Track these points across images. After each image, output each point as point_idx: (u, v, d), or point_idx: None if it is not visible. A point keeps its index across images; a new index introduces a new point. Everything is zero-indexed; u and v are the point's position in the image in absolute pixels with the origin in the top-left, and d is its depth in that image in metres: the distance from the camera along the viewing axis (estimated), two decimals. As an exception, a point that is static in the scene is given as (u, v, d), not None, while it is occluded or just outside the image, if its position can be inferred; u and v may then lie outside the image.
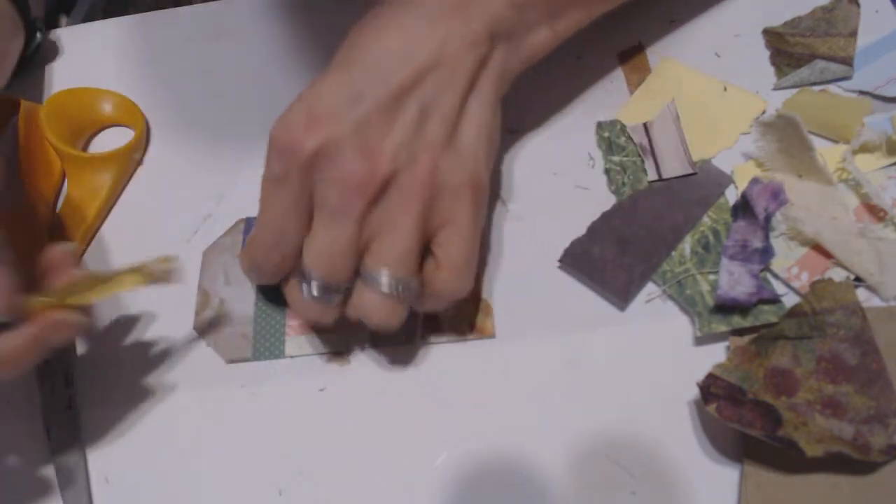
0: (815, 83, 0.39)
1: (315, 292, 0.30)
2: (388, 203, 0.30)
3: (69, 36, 0.49)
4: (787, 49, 0.40)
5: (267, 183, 0.31)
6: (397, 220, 0.30)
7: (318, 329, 0.36)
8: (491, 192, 0.39)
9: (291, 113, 0.30)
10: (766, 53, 0.41)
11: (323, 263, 0.30)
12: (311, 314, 0.31)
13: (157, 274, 0.31)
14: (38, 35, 0.46)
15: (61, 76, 0.47)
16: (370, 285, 0.30)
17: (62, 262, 0.31)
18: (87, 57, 0.48)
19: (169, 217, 0.40)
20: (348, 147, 0.29)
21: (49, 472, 0.34)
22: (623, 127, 0.39)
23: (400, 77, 0.30)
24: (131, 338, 0.37)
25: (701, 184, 0.37)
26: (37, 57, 0.46)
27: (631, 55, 0.42)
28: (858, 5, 0.40)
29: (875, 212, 0.35)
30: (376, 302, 0.30)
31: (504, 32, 0.32)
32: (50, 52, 0.48)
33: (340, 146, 0.29)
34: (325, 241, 0.30)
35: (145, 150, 0.43)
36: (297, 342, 0.36)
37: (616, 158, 0.38)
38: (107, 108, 0.44)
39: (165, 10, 0.49)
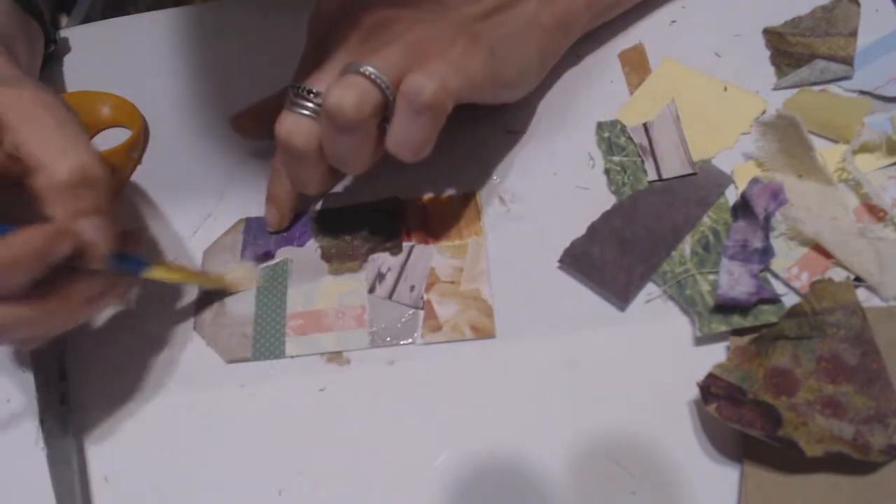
0: (815, 83, 0.39)
1: (304, 101, 0.32)
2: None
3: (69, 36, 0.49)
4: (788, 49, 0.40)
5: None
6: (391, 40, 0.32)
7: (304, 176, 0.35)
8: (491, 192, 0.39)
9: None
10: (766, 53, 0.41)
11: (317, 74, 0.32)
12: (299, 137, 0.32)
13: (231, 284, 0.37)
14: (52, 46, 0.46)
15: (61, 76, 0.47)
16: (346, 74, 0.31)
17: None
18: (86, 57, 0.48)
19: (169, 216, 0.40)
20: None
21: (42, 468, 0.34)
22: (623, 127, 0.39)
23: None
24: (131, 337, 0.37)
25: (701, 184, 0.37)
26: (47, 64, 0.47)
27: (631, 55, 0.42)
28: (858, 5, 0.40)
29: (875, 212, 0.35)
30: (348, 83, 0.30)
31: None
32: (57, 57, 0.48)
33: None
34: (326, 61, 0.33)
35: (144, 149, 0.43)
36: (297, 342, 0.36)
37: (616, 158, 0.38)
38: (105, 110, 0.44)
39: (165, 10, 0.49)
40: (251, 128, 0.40)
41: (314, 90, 0.31)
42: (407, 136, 0.31)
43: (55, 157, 0.27)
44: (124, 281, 0.32)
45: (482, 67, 0.32)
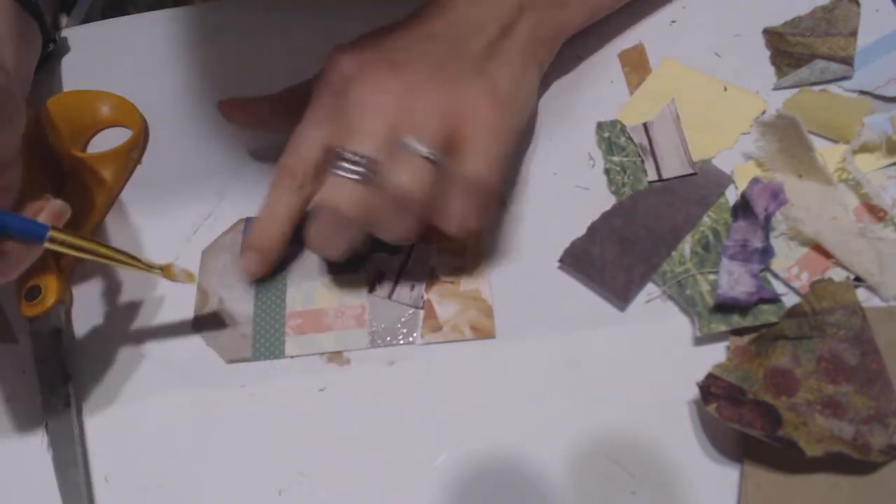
0: (815, 83, 0.39)
1: (353, 166, 0.31)
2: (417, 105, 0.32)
3: (69, 36, 0.49)
4: (787, 49, 0.40)
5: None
6: (425, 111, 0.32)
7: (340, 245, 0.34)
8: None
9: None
10: (766, 53, 0.41)
11: (361, 137, 0.31)
12: (352, 204, 0.31)
13: (173, 277, 0.34)
14: (51, 45, 0.46)
15: (61, 76, 0.47)
16: (403, 152, 0.31)
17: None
18: (86, 57, 0.48)
19: (169, 216, 0.40)
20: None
21: (51, 470, 0.34)
22: (623, 127, 0.39)
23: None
24: (131, 337, 0.37)
25: (701, 184, 0.37)
26: (47, 63, 0.47)
27: (631, 55, 0.42)
28: (858, 5, 0.40)
29: (875, 212, 0.35)
30: (413, 166, 0.31)
31: (532, 3, 0.36)
32: (56, 56, 0.48)
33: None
34: (361, 123, 0.32)
35: (144, 149, 0.43)
36: (297, 342, 0.36)
37: (616, 158, 0.38)
38: (105, 109, 0.44)
39: (165, 10, 0.49)
40: (239, 118, 0.40)
41: (366, 156, 0.31)
42: (466, 216, 0.33)
43: None
44: (21, 251, 0.30)
45: (511, 124, 0.34)
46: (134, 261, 0.33)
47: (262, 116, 0.40)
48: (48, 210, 0.31)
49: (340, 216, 0.32)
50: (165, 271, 0.34)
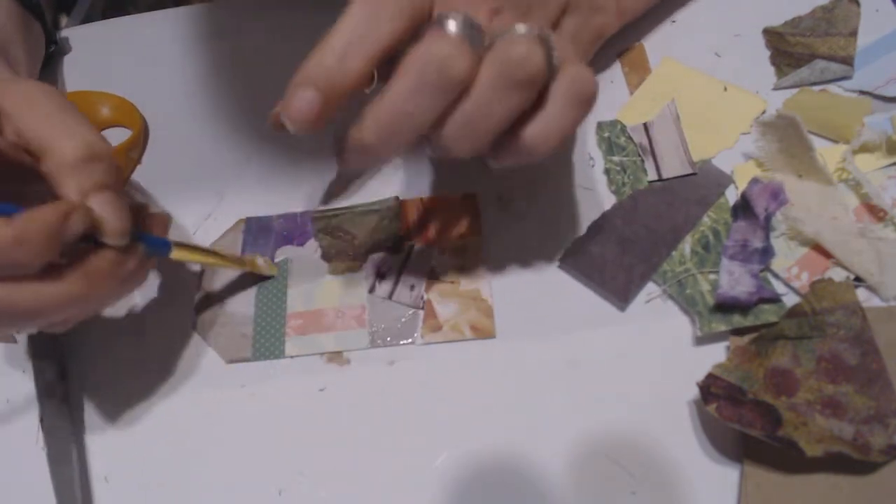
0: (815, 83, 0.39)
1: (458, 28, 0.25)
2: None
3: (69, 36, 0.49)
4: (787, 49, 0.40)
5: None
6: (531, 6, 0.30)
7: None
8: (491, 192, 0.39)
9: None
10: (766, 53, 0.41)
11: (467, 5, 0.27)
12: (457, 61, 0.25)
13: (258, 269, 0.37)
14: (52, 46, 0.46)
15: (61, 76, 0.47)
16: (513, 32, 0.26)
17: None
18: (86, 57, 0.48)
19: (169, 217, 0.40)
20: None
21: (42, 467, 0.34)
22: (623, 127, 0.39)
23: None
24: (131, 337, 0.37)
25: (701, 184, 0.37)
26: (48, 64, 0.47)
27: (631, 55, 0.42)
28: (858, 5, 0.40)
29: (875, 212, 0.35)
30: (527, 41, 0.26)
31: (575, 5, 0.35)
32: (57, 57, 0.48)
33: None
34: None
35: (144, 149, 0.43)
36: (297, 342, 0.36)
37: (616, 158, 0.38)
38: (105, 110, 0.44)
39: (165, 10, 0.49)
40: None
41: (474, 23, 0.26)
42: (562, 126, 0.28)
43: (61, 138, 0.28)
44: (149, 262, 0.32)
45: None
46: (230, 261, 0.36)
47: None
48: (163, 223, 0.35)
49: (445, 78, 0.25)
50: (252, 265, 0.37)
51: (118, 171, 0.29)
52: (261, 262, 0.37)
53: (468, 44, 0.25)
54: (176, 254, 0.33)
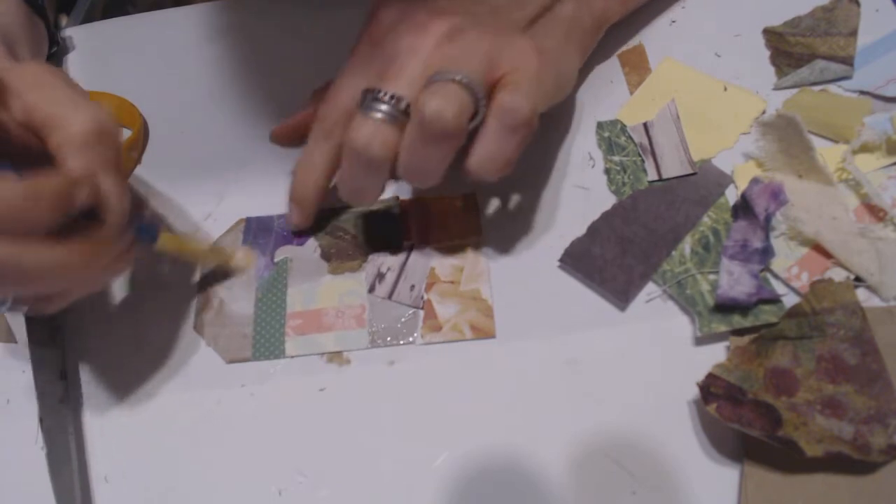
0: (815, 83, 0.39)
1: (381, 105, 0.30)
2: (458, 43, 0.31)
3: (68, 36, 0.49)
4: (787, 49, 0.40)
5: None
6: (469, 50, 0.31)
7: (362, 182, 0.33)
8: (491, 192, 0.39)
9: None
10: (766, 53, 0.41)
11: (396, 76, 0.31)
12: (376, 142, 0.30)
13: (234, 263, 0.38)
14: (55, 47, 0.46)
15: (61, 76, 0.47)
16: (436, 82, 0.30)
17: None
18: (86, 57, 0.48)
19: (169, 216, 0.40)
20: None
21: (42, 467, 0.34)
22: (623, 127, 0.39)
23: None
24: (131, 337, 0.37)
25: (701, 184, 0.37)
26: (50, 62, 0.47)
27: (631, 55, 0.42)
28: (858, 5, 0.40)
29: (875, 212, 0.35)
30: (445, 91, 0.29)
31: None
32: (58, 57, 0.48)
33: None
34: (397, 64, 0.31)
35: (143, 149, 0.43)
36: (297, 342, 0.36)
37: (616, 158, 0.38)
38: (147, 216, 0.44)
39: (165, 10, 0.49)
40: (290, 139, 0.39)
41: (395, 95, 0.30)
42: (498, 154, 0.31)
43: (69, 114, 0.28)
44: (138, 248, 0.32)
45: (553, 83, 0.33)
46: (206, 254, 0.38)
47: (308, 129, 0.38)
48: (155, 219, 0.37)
49: (365, 157, 0.31)
50: (228, 258, 0.38)
51: (122, 153, 0.30)
52: (239, 256, 0.38)
53: (379, 123, 0.30)
54: (161, 243, 0.34)
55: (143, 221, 0.33)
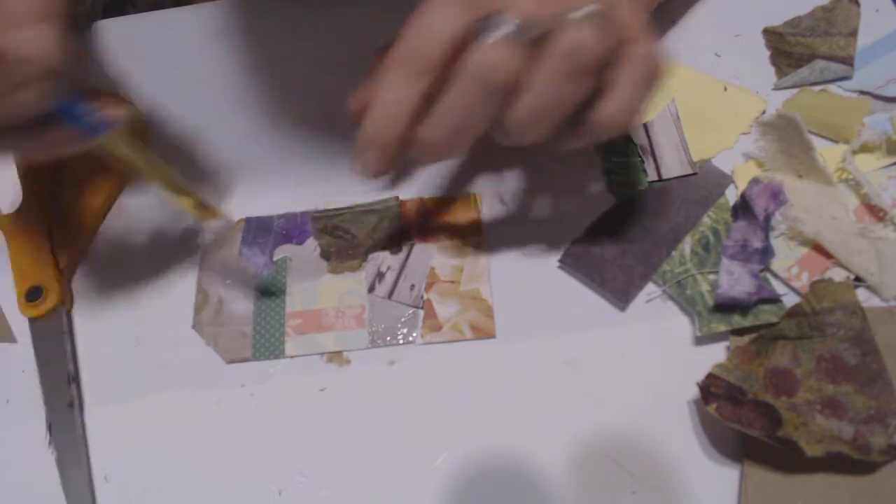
0: (815, 83, 0.39)
1: (503, 33, 0.26)
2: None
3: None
4: (787, 49, 0.40)
5: None
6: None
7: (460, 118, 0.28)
8: (491, 192, 0.39)
9: None
10: (766, 53, 0.41)
11: (512, 3, 0.27)
12: (509, 63, 0.26)
13: (204, 212, 0.34)
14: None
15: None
16: (586, 10, 0.26)
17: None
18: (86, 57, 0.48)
19: (169, 217, 0.40)
20: None
21: (51, 470, 0.34)
22: (623, 127, 0.39)
23: None
24: (131, 337, 0.37)
25: (701, 184, 0.37)
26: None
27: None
28: (858, 5, 0.40)
29: (875, 212, 0.35)
30: (583, 27, 0.26)
31: None
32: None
33: None
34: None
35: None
36: (297, 342, 0.36)
37: (616, 158, 0.38)
38: (104, 109, 0.44)
39: (165, 10, 0.49)
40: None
41: (522, 21, 0.26)
42: (632, 106, 0.28)
43: None
44: (70, 138, 0.28)
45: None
46: (171, 186, 0.33)
47: None
48: (117, 108, 0.30)
49: (488, 82, 0.27)
50: (194, 204, 0.34)
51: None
52: (212, 206, 0.34)
53: (512, 46, 0.26)
54: (108, 140, 0.29)
55: (81, 104, 0.28)
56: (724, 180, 0.37)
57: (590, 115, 0.28)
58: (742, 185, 0.36)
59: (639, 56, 0.28)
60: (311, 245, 0.38)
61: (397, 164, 0.30)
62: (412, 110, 0.29)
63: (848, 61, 0.38)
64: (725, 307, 0.33)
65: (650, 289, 0.35)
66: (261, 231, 0.39)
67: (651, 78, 0.28)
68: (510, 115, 0.28)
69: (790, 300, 0.33)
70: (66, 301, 0.38)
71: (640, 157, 0.38)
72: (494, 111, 0.28)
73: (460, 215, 0.38)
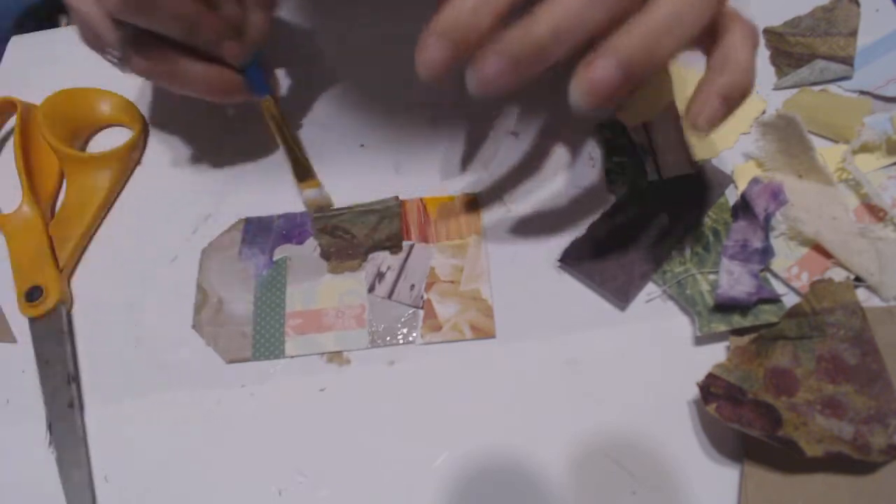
0: (815, 83, 0.39)
1: None
2: None
3: (69, 36, 0.49)
4: (787, 49, 0.40)
5: None
6: None
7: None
8: (491, 192, 0.39)
9: None
10: (766, 53, 0.41)
11: None
12: None
13: (308, 181, 0.40)
14: None
15: (60, 76, 0.47)
16: None
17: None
18: (87, 56, 0.48)
19: (168, 216, 0.40)
20: None
21: (51, 470, 0.34)
22: (623, 127, 0.39)
23: None
24: (131, 337, 0.37)
25: (701, 184, 0.37)
26: (49, 63, 0.47)
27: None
28: (858, 5, 0.40)
29: (875, 212, 0.35)
30: None
31: None
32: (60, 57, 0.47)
33: None
34: None
35: (144, 149, 0.43)
36: (297, 342, 0.36)
37: (616, 158, 0.38)
38: (105, 108, 0.44)
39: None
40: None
41: None
42: (751, 66, 0.28)
43: None
44: (239, 88, 0.37)
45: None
46: (300, 157, 0.40)
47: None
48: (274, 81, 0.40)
49: None
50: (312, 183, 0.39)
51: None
52: (315, 177, 0.40)
53: None
54: (266, 103, 0.39)
55: (261, 73, 0.38)
56: (724, 180, 0.37)
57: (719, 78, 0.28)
58: (742, 185, 0.36)
59: (747, 23, 0.28)
60: (311, 245, 0.38)
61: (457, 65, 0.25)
62: (497, 12, 0.25)
63: (848, 61, 0.38)
64: (725, 307, 0.33)
65: (650, 289, 0.35)
66: (261, 231, 0.39)
67: (755, 46, 0.28)
68: (630, 34, 0.25)
69: (790, 300, 0.33)
70: (66, 301, 0.38)
71: (640, 157, 0.38)
72: (614, 14, 0.25)
73: (460, 215, 0.38)
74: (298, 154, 0.40)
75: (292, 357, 0.36)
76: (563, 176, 0.39)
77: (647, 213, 0.36)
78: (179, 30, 0.33)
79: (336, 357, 0.35)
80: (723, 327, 0.33)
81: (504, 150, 0.40)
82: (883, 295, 0.33)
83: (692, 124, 0.28)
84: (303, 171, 0.39)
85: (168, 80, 0.36)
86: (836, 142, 0.37)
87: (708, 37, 0.28)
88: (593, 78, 0.25)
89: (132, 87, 0.44)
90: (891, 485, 0.29)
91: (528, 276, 0.36)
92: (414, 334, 0.35)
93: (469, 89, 0.26)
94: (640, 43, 0.25)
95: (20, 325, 0.38)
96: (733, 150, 0.38)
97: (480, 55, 0.25)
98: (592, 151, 0.39)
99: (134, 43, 0.34)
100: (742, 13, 0.28)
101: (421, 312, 0.36)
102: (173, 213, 0.41)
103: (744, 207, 0.35)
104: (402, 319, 0.36)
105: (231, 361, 0.36)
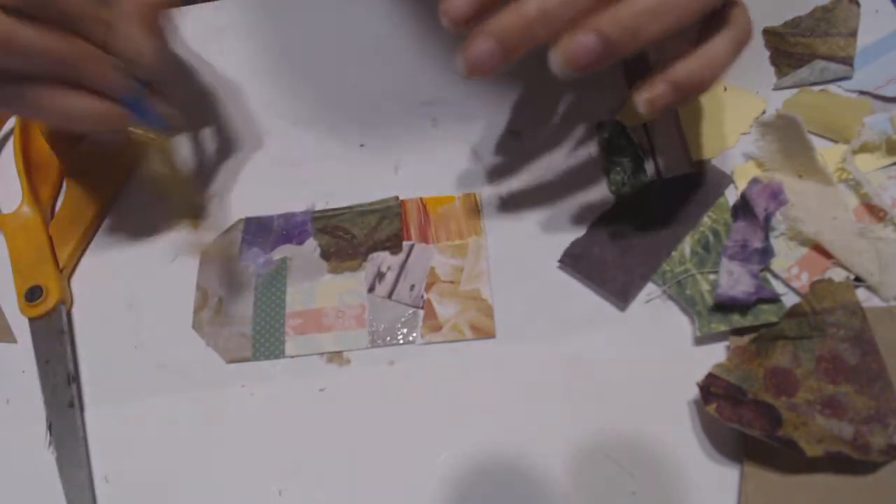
0: (815, 83, 0.39)
1: None
2: None
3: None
4: (787, 49, 0.40)
5: None
6: None
7: None
8: (491, 192, 0.39)
9: None
10: (766, 53, 0.41)
11: None
12: None
13: (192, 220, 0.39)
14: None
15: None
16: None
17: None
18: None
19: (168, 216, 0.40)
20: None
21: (51, 471, 0.34)
22: (623, 127, 0.39)
23: None
24: (131, 337, 0.37)
25: (701, 184, 0.37)
26: None
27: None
28: (858, 5, 0.40)
29: (875, 212, 0.35)
30: None
31: None
32: None
33: None
34: None
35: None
36: (297, 342, 0.36)
37: (616, 158, 0.38)
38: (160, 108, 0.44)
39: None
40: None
41: None
42: (723, 61, 0.28)
43: None
44: (123, 117, 0.32)
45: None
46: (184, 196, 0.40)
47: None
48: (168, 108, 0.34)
49: None
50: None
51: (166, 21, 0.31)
52: (199, 219, 0.39)
53: None
54: (161, 139, 0.38)
55: (146, 101, 0.32)
56: (724, 180, 0.37)
57: (677, 64, 0.28)
58: (742, 185, 0.36)
59: (740, 21, 0.29)
60: (311, 245, 0.38)
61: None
62: (555, 26, 0.25)
63: (848, 61, 0.38)
64: (725, 307, 0.33)
65: (650, 289, 0.35)
66: (261, 231, 0.39)
67: (742, 45, 0.29)
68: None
69: (790, 300, 0.33)
70: (66, 301, 0.38)
71: (640, 157, 0.38)
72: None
73: (460, 215, 0.38)
74: (187, 191, 0.39)
75: (292, 357, 0.36)
76: (563, 176, 0.39)
77: (647, 213, 0.36)
78: (48, 67, 0.29)
79: (336, 357, 0.35)
80: (723, 327, 0.33)
81: (504, 150, 0.40)
82: (883, 295, 0.33)
83: (634, 102, 0.28)
84: (186, 209, 0.39)
85: (32, 114, 0.31)
86: (836, 142, 0.37)
87: (711, 21, 0.28)
88: (571, 47, 0.26)
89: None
90: (891, 485, 0.29)
91: (528, 276, 0.36)
92: (414, 334, 0.35)
93: (458, 71, 0.26)
94: (626, 23, 0.26)
95: (20, 325, 0.38)
96: (733, 150, 0.38)
97: (470, 37, 0.26)
98: (592, 151, 0.39)
99: None
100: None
101: (421, 312, 0.36)
102: (174, 213, 0.41)
103: (744, 207, 0.35)
104: (402, 319, 0.36)
105: (231, 361, 0.36)
